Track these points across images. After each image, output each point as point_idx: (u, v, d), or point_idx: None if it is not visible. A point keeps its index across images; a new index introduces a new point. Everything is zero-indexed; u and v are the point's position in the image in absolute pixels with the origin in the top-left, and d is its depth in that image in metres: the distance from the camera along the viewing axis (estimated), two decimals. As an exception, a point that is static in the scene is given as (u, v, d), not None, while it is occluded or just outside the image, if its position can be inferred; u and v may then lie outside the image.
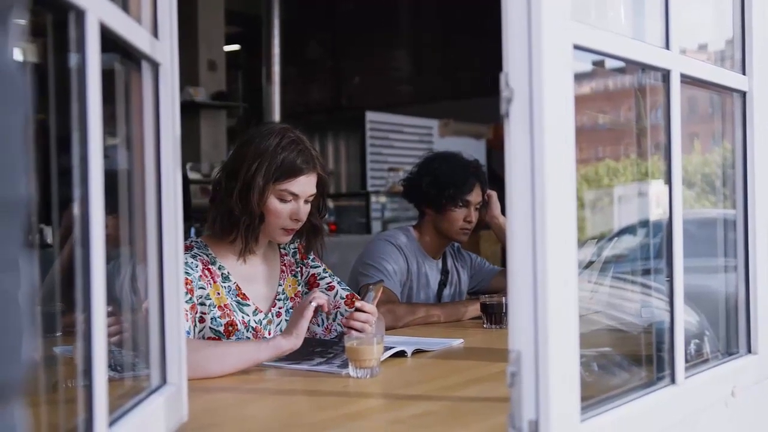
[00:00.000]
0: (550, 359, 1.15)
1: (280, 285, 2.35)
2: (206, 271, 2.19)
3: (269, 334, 2.27)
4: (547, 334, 1.15)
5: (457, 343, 2.36)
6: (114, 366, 1.28)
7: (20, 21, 0.62)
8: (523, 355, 1.17)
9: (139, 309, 1.39)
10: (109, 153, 1.11)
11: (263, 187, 2.17)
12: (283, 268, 2.38)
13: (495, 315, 2.64)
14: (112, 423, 1.08)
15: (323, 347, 2.18)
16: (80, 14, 0.97)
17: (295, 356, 2.03)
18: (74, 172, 0.98)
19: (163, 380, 1.36)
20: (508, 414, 1.18)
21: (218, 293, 2.20)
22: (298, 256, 2.42)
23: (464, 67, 9.63)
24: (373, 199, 7.40)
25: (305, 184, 2.21)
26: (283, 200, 2.20)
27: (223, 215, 2.21)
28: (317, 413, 1.61)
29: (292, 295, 2.37)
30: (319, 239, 2.36)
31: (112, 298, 1.11)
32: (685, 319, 1.57)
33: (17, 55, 0.60)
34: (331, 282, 2.40)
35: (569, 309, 1.21)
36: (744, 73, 1.80)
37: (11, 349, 0.54)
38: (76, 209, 0.98)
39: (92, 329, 0.99)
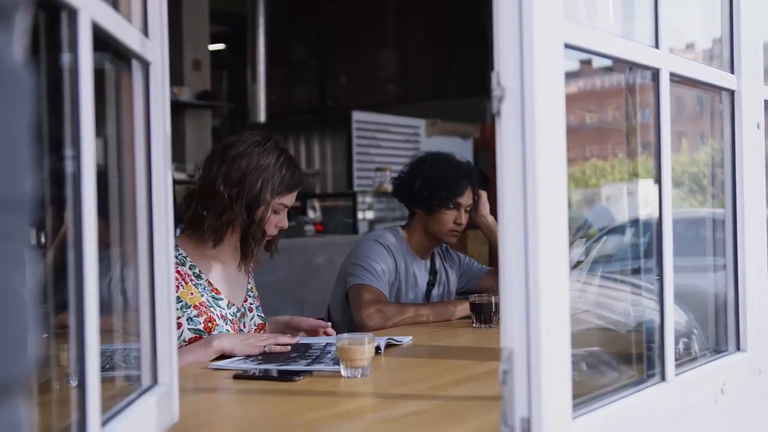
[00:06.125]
0: (543, 357, 1.16)
1: (249, 283, 2.45)
2: (176, 273, 2.20)
3: (244, 326, 2.35)
4: (540, 332, 1.16)
5: (407, 340, 2.35)
6: (103, 365, 1.27)
7: (25, 19, 0.61)
8: (516, 353, 1.17)
9: (130, 310, 1.38)
10: (98, 153, 1.11)
11: (270, 202, 2.25)
12: (250, 269, 2.46)
13: (484, 314, 2.64)
14: (104, 423, 1.08)
15: (306, 348, 2.18)
16: (73, 13, 0.96)
17: (285, 359, 2.03)
18: (66, 172, 0.98)
19: (155, 380, 1.36)
20: (500, 412, 1.19)
21: (191, 293, 2.23)
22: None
23: (451, 67, 9.66)
24: (359, 199, 7.37)
25: (294, 196, 2.34)
26: (276, 212, 2.29)
27: (224, 225, 2.25)
28: (309, 413, 1.61)
29: (257, 295, 2.47)
30: (280, 236, 2.41)
31: (101, 299, 1.11)
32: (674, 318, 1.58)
33: (21, 53, 0.60)
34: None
35: (561, 307, 1.21)
36: (732, 72, 1.81)
37: (18, 346, 0.54)
38: (68, 210, 0.97)
39: (85, 330, 0.99)
